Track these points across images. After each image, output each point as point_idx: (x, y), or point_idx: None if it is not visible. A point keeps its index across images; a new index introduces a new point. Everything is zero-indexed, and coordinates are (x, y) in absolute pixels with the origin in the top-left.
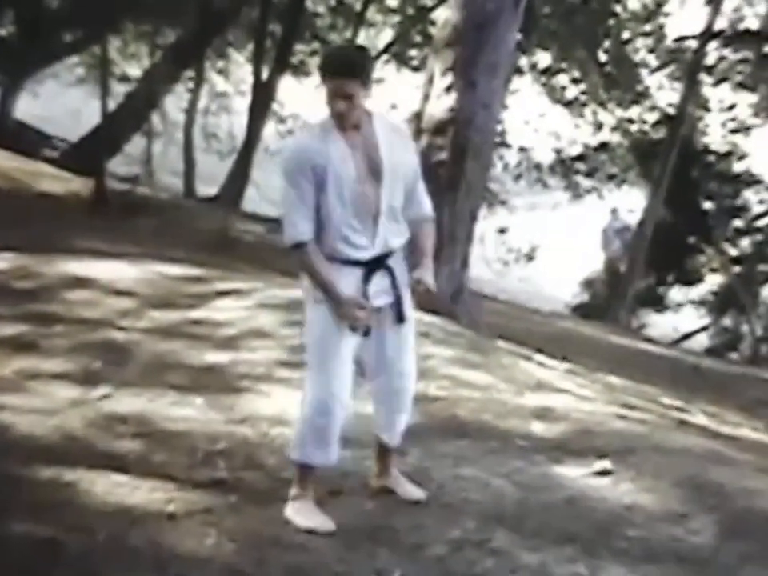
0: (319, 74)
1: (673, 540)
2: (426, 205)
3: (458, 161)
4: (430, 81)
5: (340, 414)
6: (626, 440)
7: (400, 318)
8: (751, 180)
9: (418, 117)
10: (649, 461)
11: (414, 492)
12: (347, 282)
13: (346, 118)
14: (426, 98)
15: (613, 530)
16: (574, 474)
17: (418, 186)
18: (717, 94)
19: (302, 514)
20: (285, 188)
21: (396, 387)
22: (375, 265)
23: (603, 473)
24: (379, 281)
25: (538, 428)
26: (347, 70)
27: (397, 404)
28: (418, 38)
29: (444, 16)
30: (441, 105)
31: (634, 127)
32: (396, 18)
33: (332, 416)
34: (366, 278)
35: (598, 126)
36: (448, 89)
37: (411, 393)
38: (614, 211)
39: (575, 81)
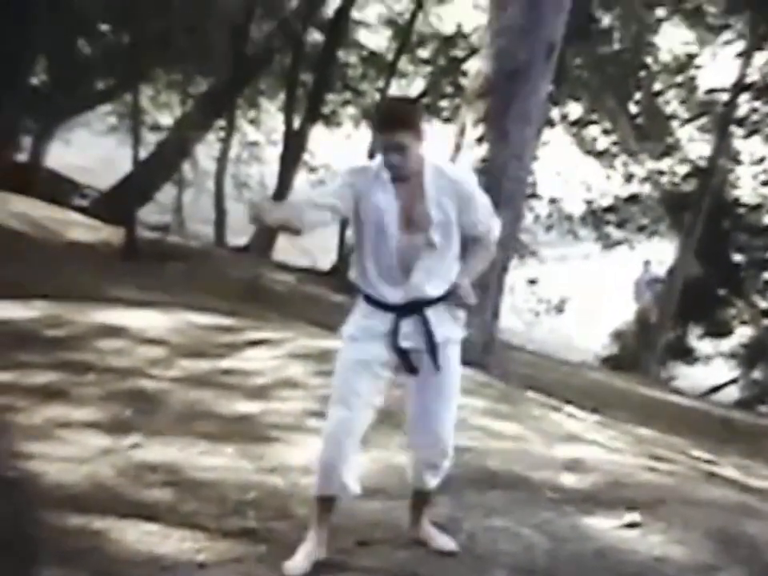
0: (375, 128)
1: None
2: (481, 225)
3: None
4: (462, 131)
5: (349, 447)
6: (655, 492)
7: (436, 365)
8: None
9: None
10: (678, 513)
11: (447, 544)
12: (379, 322)
13: (400, 170)
14: (458, 148)
15: None
16: (603, 525)
17: (472, 211)
18: (748, 147)
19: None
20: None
21: (426, 441)
22: (407, 310)
23: (633, 525)
24: (412, 326)
25: (567, 479)
26: (400, 123)
27: (428, 455)
28: (449, 89)
29: (476, 67)
30: (472, 155)
31: (664, 179)
32: (428, 69)
33: (340, 446)
34: (397, 322)
35: (629, 178)
36: (480, 139)
37: (442, 445)
38: (646, 263)
39: (606, 132)
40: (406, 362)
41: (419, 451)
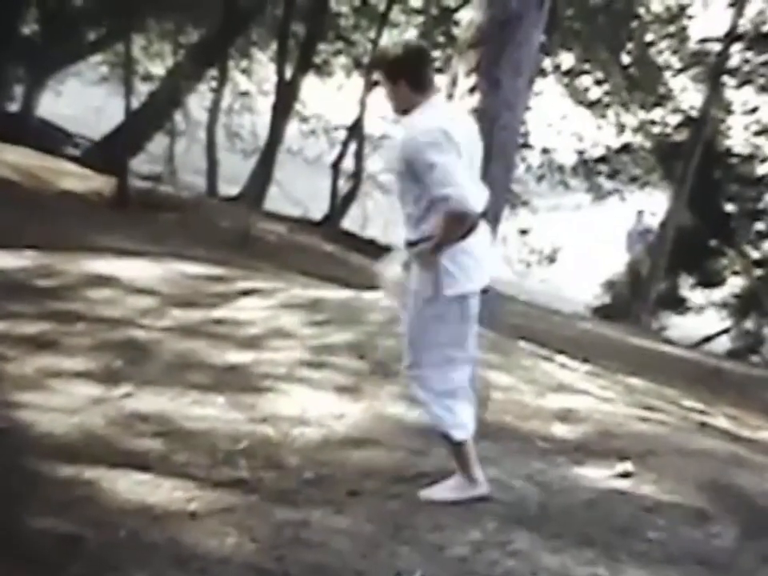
0: None
1: (693, 542)
2: (434, 189)
3: (484, 162)
4: (454, 82)
5: None
6: (647, 442)
7: None
8: None
9: None
10: (670, 463)
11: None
12: None
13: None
14: (450, 98)
15: (633, 531)
16: (595, 475)
17: (426, 178)
18: (740, 97)
19: None
20: None
21: None
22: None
23: (624, 475)
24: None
25: (559, 429)
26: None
27: None
28: (441, 39)
29: (468, 17)
30: (464, 105)
31: (656, 129)
32: (419, 19)
33: None
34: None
35: (621, 128)
36: (472, 89)
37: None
38: (639, 213)
39: (598, 82)
40: None
41: None
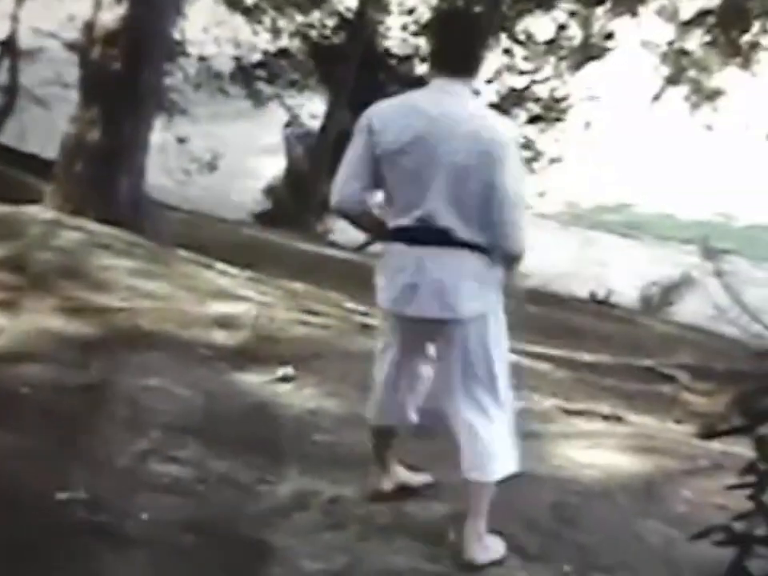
0: None
1: (359, 444)
2: None
3: (131, 70)
4: None
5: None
6: (309, 345)
7: None
8: None
9: (89, 27)
10: (333, 365)
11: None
12: None
13: None
14: (99, 6)
15: (299, 435)
16: (257, 380)
17: None
18: None
19: None
20: None
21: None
22: None
23: (286, 378)
24: None
25: (220, 336)
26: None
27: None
28: None
29: None
30: (112, 13)
31: (313, 32)
32: None
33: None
34: None
35: (276, 32)
36: None
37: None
38: (292, 119)
39: None
40: None
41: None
